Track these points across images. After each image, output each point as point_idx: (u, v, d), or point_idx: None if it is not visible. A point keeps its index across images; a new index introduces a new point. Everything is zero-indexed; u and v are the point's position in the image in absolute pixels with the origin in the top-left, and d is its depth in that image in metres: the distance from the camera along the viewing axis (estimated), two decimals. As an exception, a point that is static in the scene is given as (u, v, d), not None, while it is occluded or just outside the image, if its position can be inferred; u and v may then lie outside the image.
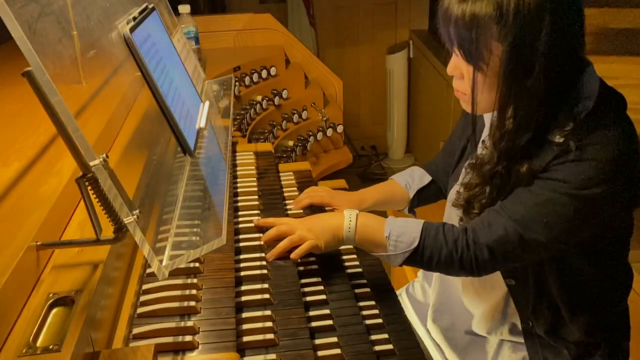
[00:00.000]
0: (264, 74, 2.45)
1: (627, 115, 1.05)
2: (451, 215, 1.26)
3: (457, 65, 1.09)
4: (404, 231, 1.14)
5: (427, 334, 1.43)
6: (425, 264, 1.14)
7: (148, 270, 1.03)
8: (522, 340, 1.22)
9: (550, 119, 1.03)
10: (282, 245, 1.21)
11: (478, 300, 1.27)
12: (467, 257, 1.10)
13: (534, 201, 1.04)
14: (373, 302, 1.16)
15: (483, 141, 1.17)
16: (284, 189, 1.58)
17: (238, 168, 1.64)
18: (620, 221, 1.12)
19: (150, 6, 1.28)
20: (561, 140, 1.01)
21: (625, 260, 1.21)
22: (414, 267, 1.94)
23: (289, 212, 1.45)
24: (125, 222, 0.75)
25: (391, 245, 1.14)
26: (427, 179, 1.48)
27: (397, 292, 1.53)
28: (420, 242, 1.12)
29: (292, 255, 1.18)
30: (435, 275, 1.41)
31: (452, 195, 1.24)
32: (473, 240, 1.09)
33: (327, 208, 1.45)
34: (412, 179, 1.49)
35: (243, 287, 1.11)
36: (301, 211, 1.43)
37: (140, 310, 0.95)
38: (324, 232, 1.19)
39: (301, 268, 1.20)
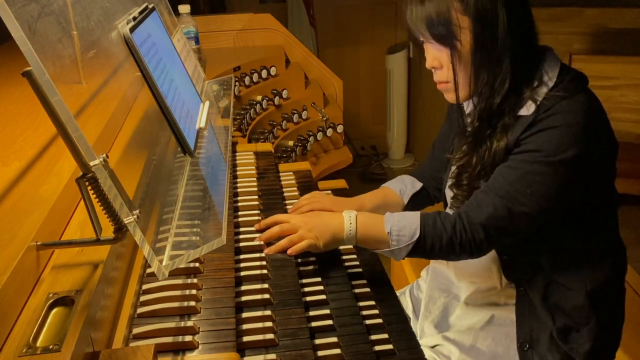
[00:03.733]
0: (264, 74, 2.45)
1: (589, 89, 1.12)
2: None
3: (435, 56, 1.17)
4: (404, 225, 1.17)
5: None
6: (428, 252, 1.18)
7: (148, 270, 1.03)
8: (512, 310, 1.24)
9: (519, 87, 1.11)
10: (281, 243, 1.22)
11: (474, 278, 1.31)
12: (466, 239, 1.14)
13: (515, 175, 1.11)
14: (373, 302, 1.16)
15: (468, 114, 1.24)
16: (284, 189, 1.58)
17: (238, 168, 1.64)
18: (601, 189, 1.17)
19: (150, 6, 1.28)
20: (529, 113, 1.10)
21: (616, 234, 1.24)
22: (415, 269, 1.96)
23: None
24: (125, 222, 0.75)
25: (394, 240, 1.17)
26: (419, 185, 1.51)
27: (400, 292, 1.54)
28: (421, 232, 1.16)
29: (290, 252, 1.20)
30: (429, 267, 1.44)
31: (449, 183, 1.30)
32: (468, 222, 1.14)
33: None
34: (404, 185, 1.51)
35: (243, 287, 1.11)
36: None
37: (140, 310, 0.95)
38: (324, 233, 1.21)
39: (301, 268, 1.21)
